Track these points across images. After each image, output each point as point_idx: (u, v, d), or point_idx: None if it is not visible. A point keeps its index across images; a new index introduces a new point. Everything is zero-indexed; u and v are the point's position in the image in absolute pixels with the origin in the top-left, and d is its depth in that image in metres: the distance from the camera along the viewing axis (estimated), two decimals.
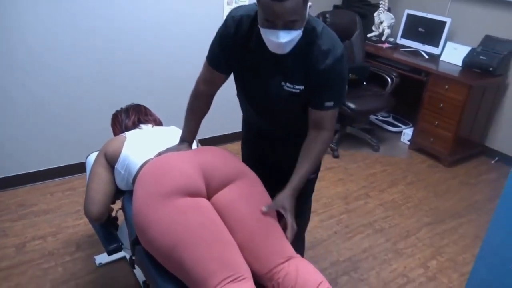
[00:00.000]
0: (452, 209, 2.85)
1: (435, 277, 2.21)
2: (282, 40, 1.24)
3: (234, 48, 1.41)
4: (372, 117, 4.16)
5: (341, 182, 3.04)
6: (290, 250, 1.32)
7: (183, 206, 1.28)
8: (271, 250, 1.30)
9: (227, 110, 2.60)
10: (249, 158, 1.83)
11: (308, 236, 2.40)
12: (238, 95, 1.63)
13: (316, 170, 1.71)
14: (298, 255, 1.32)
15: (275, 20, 1.21)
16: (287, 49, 1.29)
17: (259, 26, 1.28)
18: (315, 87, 1.39)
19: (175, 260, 1.24)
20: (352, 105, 3.29)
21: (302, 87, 1.39)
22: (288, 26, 1.22)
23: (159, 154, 1.53)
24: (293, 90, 1.40)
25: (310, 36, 1.33)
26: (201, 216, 1.28)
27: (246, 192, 1.43)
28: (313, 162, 1.46)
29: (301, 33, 1.28)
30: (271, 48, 1.30)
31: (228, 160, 1.50)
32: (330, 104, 1.41)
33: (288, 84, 1.40)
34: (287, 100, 1.44)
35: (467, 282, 1.95)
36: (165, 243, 1.24)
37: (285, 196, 1.40)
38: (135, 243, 1.45)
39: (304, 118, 1.49)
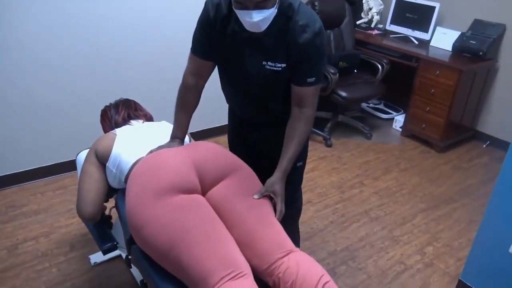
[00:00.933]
0: (445, 194, 2.87)
1: (432, 263, 2.22)
2: (255, 19, 1.26)
3: (215, 32, 1.42)
4: (364, 105, 4.15)
5: (335, 171, 3.04)
6: (289, 243, 1.30)
7: (178, 203, 1.26)
8: (270, 245, 1.28)
9: (217, 102, 2.56)
10: (235, 147, 1.83)
11: (304, 226, 2.40)
12: (222, 83, 1.63)
13: (303, 157, 1.73)
14: (298, 249, 1.30)
15: (245, 2, 1.24)
16: (263, 27, 1.31)
17: (233, 7, 1.30)
18: (296, 63, 1.40)
19: (172, 259, 1.21)
20: (343, 93, 3.27)
21: (283, 65, 1.41)
22: (259, 6, 1.25)
23: (151, 152, 1.50)
24: (275, 69, 1.42)
25: (287, 13, 1.35)
26: (197, 213, 1.26)
27: (241, 186, 1.41)
28: (299, 142, 1.48)
29: (276, 11, 1.31)
30: (247, 27, 1.32)
31: (221, 154, 1.48)
32: (312, 79, 1.43)
33: (269, 63, 1.42)
34: (269, 80, 1.46)
35: (464, 267, 1.96)
36: (162, 242, 1.22)
37: (275, 180, 1.43)
38: (130, 242, 1.42)
39: (287, 103, 1.50)
